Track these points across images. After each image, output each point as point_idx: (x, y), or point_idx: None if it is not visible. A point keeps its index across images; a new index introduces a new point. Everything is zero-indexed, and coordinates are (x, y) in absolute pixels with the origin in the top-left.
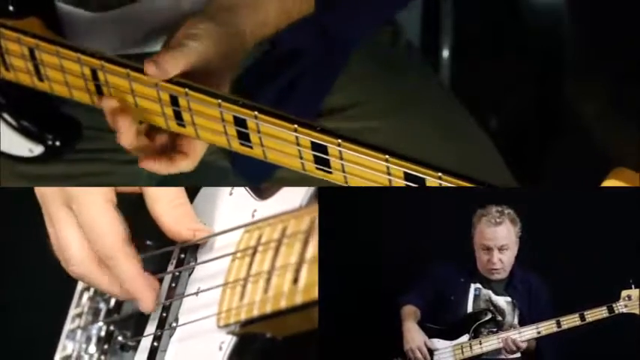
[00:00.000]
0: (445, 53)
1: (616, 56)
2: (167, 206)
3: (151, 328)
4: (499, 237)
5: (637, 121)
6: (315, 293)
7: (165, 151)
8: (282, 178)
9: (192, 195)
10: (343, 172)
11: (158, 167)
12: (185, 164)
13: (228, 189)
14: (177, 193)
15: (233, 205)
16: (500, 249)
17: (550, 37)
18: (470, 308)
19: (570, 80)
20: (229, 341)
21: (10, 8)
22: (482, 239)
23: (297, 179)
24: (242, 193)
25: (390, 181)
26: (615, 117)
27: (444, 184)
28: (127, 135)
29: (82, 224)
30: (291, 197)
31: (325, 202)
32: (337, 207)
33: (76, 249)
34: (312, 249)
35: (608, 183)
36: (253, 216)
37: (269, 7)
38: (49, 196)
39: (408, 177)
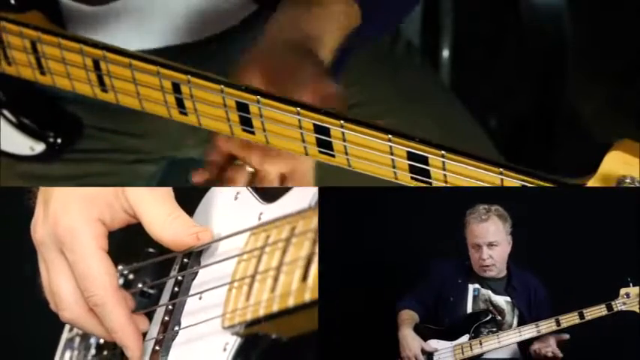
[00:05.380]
0: (445, 53)
1: (616, 56)
2: (164, 224)
3: (152, 332)
4: (486, 233)
5: (636, 121)
6: None
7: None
8: None
9: (195, 201)
10: (346, 154)
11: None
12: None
13: (232, 193)
14: (170, 207)
15: (238, 210)
16: (489, 245)
17: (550, 37)
18: (469, 309)
19: (570, 80)
20: (234, 342)
21: (12, 2)
22: (472, 237)
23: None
24: (247, 197)
25: (393, 161)
26: (614, 117)
27: (447, 162)
28: None
29: (74, 270)
30: (298, 200)
31: (325, 202)
32: (337, 207)
33: (67, 294)
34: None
35: (612, 154)
36: (259, 219)
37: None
38: (45, 242)
39: (411, 156)
